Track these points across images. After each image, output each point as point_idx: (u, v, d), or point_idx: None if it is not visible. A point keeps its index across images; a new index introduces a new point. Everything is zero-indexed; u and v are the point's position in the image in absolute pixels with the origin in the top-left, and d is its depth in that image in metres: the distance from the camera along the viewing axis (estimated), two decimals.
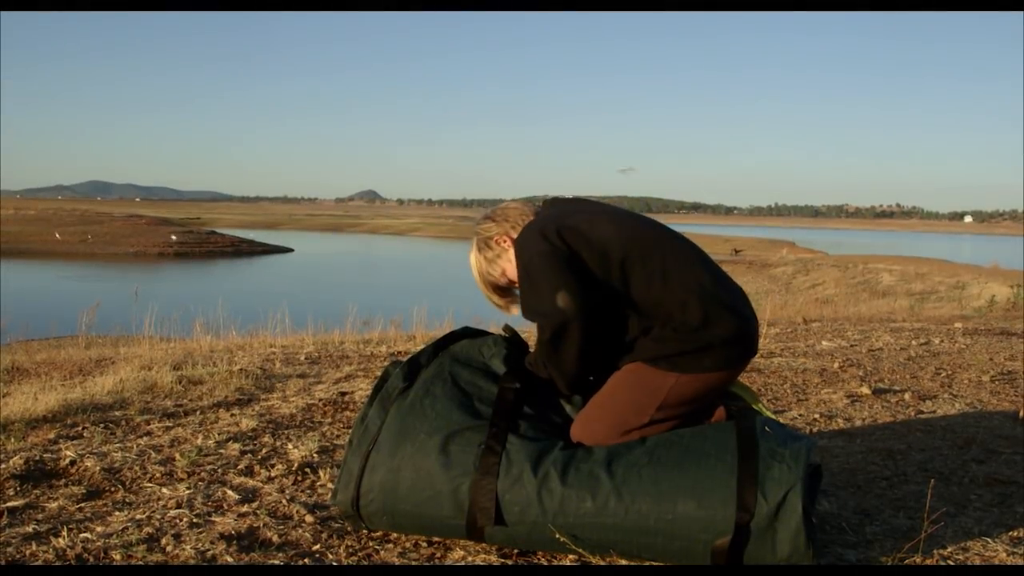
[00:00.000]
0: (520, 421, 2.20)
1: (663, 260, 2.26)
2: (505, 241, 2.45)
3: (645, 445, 2.12)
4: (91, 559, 2.11)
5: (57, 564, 2.08)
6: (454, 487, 2.11)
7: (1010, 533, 2.40)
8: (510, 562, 2.14)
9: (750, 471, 2.00)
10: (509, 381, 2.30)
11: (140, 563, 2.09)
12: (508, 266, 2.45)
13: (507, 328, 2.54)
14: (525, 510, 2.07)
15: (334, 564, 2.11)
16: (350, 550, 2.19)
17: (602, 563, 2.11)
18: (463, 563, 2.13)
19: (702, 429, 2.16)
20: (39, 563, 2.08)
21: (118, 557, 2.12)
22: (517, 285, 2.42)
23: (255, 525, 2.34)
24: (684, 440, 2.12)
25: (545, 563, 2.14)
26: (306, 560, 2.12)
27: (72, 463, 2.90)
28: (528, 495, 2.07)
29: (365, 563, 2.12)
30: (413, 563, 2.12)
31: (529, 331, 2.84)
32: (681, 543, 2.00)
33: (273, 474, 2.84)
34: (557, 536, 2.05)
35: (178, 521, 2.36)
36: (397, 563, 2.11)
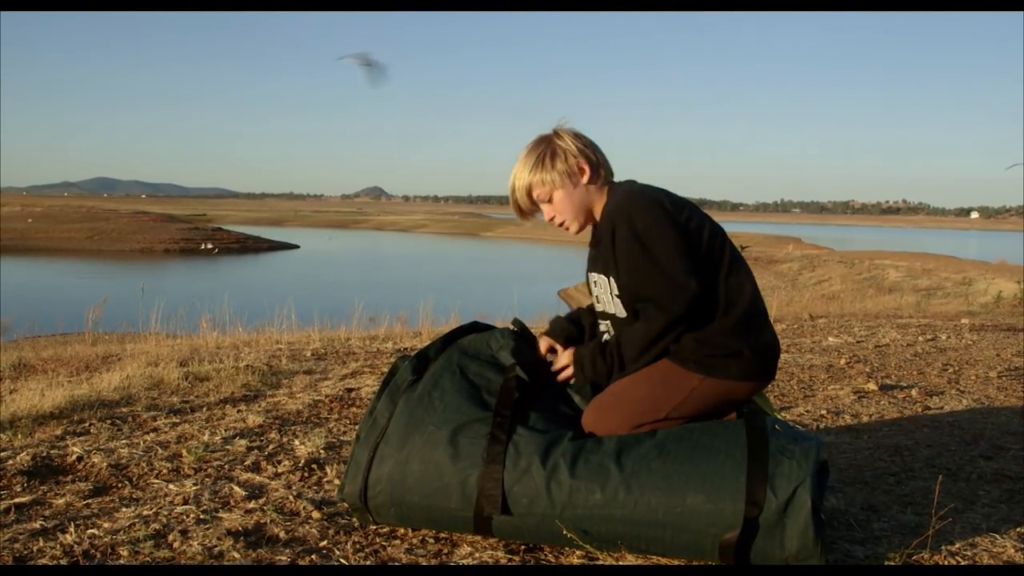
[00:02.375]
0: (529, 412, 2.20)
1: (732, 256, 2.26)
2: (583, 174, 2.34)
3: (655, 438, 2.12)
4: (98, 555, 2.11)
5: (64, 561, 2.08)
6: (462, 479, 2.12)
7: (1018, 529, 2.39)
8: (517, 559, 2.13)
9: (760, 466, 2.00)
10: (513, 372, 2.30)
11: (147, 560, 2.09)
12: (560, 193, 2.35)
13: (515, 322, 2.54)
14: (534, 501, 2.07)
15: (341, 560, 2.11)
16: (357, 546, 2.19)
17: (610, 560, 2.11)
18: (470, 559, 2.12)
19: (712, 425, 2.16)
20: (46, 559, 2.08)
21: (125, 553, 2.12)
22: (549, 211, 2.40)
23: (262, 521, 2.34)
24: (694, 435, 2.12)
25: (552, 559, 2.14)
26: (313, 556, 2.12)
27: (79, 459, 2.90)
28: (537, 487, 2.07)
29: (372, 559, 2.12)
30: (420, 559, 2.12)
31: (540, 325, 2.84)
32: (690, 536, 2.00)
33: (280, 470, 2.84)
34: (565, 532, 2.06)
35: (185, 517, 2.37)
36: (404, 559, 2.11)
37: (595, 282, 2.40)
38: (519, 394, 2.24)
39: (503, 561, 2.11)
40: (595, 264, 2.38)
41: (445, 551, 2.17)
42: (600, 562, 2.10)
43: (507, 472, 2.09)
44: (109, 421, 3.48)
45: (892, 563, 2.12)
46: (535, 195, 2.39)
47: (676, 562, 2.10)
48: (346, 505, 2.30)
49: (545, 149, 2.35)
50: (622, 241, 2.20)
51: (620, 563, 2.09)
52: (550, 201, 2.38)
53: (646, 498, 2.01)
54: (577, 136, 2.37)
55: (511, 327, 2.49)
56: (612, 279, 2.29)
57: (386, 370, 4.74)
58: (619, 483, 2.03)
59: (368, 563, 2.10)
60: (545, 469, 2.07)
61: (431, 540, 2.23)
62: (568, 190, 2.35)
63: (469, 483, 2.11)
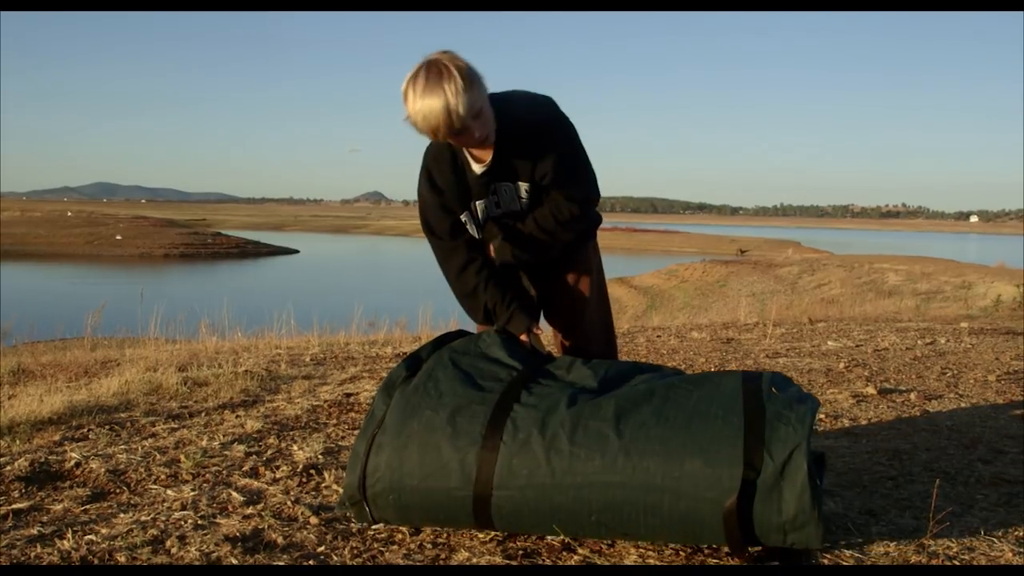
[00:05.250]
0: (522, 390, 2.25)
1: None
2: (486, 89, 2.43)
3: (652, 404, 2.13)
4: (96, 561, 2.11)
5: (62, 565, 2.08)
6: (461, 457, 2.13)
7: (1016, 533, 2.39)
8: (515, 563, 2.13)
9: (756, 431, 2.02)
10: (515, 364, 2.39)
11: (144, 564, 2.09)
12: (486, 109, 2.40)
13: (500, 329, 2.62)
14: (533, 472, 2.08)
15: (338, 565, 2.11)
16: (355, 551, 2.19)
17: (606, 562, 2.11)
18: (468, 564, 2.12)
19: (710, 392, 2.17)
20: (44, 565, 2.08)
21: (123, 559, 2.12)
22: (479, 127, 2.40)
23: (260, 527, 2.34)
24: (692, 401, 2.14)
25: (549, 562, 2.14)
26: (310, 562, 2.12)
27: (77, 465, 2.90)
28: (536, 457, 2.08)
29: (370, 564, 2.12)
30: (418, 564, 2.12)
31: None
32: (688, 502, 2.00)
33: (278, 476, 2.84)
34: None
35: (183, 523, 2.37)
36: (401, 563, 2.11)
37: (495, 190, 2.64)
38: (514, 376, 2.32)
39: (500, 565, 2.11)
40: (502, 174, 2.60)
41: (443, 556, 2.17)
42: (597, 562, 2.10)
43: (506, 446, 2.11)
44: (107, 427, 3.48)
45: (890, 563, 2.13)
46: (472, 113, 2.35)
47: (676, 562, 2.10)
48: (345, 510, 2.30)
49: (463, 69, 2.33)
50: (566, 145, 2.58)
51: (618, 564, 2.10)
52: (478, 117, 2.39)
53: (645, 463, 2.02)
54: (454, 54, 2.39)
55: (495, 332, 2.58)
56: (523, 182, 2.61)
57: (385, 375, 4.74)
58: (618, 449, 2.05)
59: (366, 566, 2.10)
60: (544, 439, 2.09)
61: (428, 545, 2.23)
62: (487, 104, 2.42)
63: (468, 461, 2.12)
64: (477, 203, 2.65)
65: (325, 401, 4.02)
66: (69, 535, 2.26)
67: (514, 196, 2.65)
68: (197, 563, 2.10)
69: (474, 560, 2.14)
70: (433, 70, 2.30)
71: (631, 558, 2.15)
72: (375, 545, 2.23)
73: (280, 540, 2.26)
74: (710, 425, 2.06)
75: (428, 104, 2.30)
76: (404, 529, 2.31)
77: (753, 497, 1.97)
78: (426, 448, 2.16)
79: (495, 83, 2.47)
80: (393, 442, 2.19)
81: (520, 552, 2.18)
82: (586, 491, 2.05)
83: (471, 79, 2.33)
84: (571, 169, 2.61)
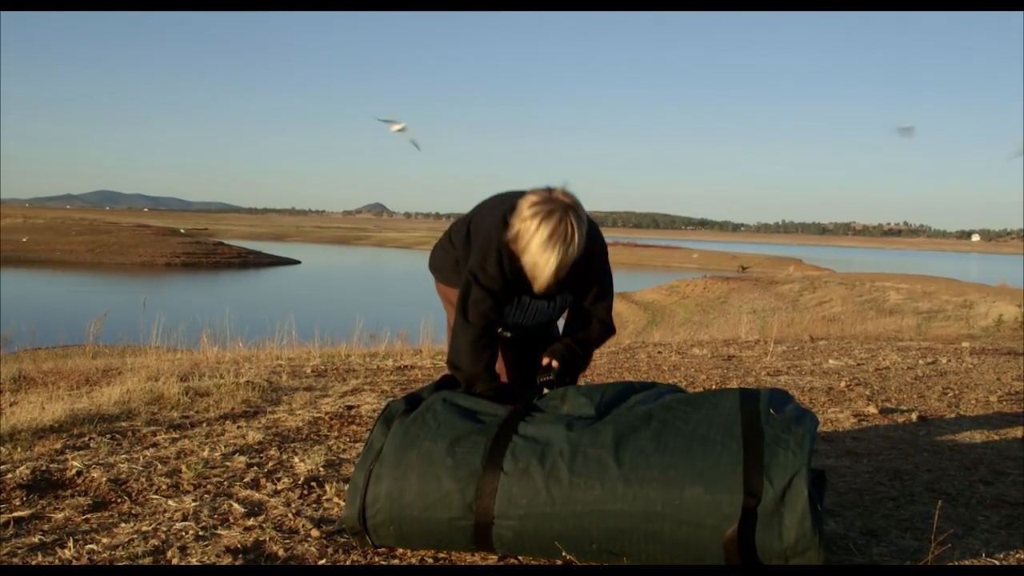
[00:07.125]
0: (520, 421, 2.26)
1: None
2: None
3: (651, 429, 2.14)
4: None
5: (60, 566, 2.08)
6: (462, 487, 2.13)
7: (1017, 555, 2.39)
8: (514, 563, 2.13)
9: (756, 457, 2.02)
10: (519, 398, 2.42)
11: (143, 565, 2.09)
12: None
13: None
14: (533, 501, 2.08)
15: (342, 566, 2.11)
16: (356, 564, 2.19)
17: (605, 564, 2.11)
18: (469, 565, 2.12)
19: (709, 415, 2.18)
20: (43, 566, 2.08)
21: None
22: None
23: (261, 539, 2.34)
24: (690, 425, 2.14)
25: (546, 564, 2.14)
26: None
27: (78, 474, 2.90)
28: (537, 486, 2.09)
29: (370, 566, 2.12)
30: (417, 565, 2.12)
31: None
32: (688, 529, 2.00)
33: (279, 487, 2.84)
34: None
35: (184, 534, 2.37)
36: (400, 564, 2.11)
37: (527, 305, 2.72)
38: (512, 407, 2.34)
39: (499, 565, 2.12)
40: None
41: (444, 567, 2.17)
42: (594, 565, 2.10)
43: (506, 476, 2.11)
44: (109, 436, 3.48)
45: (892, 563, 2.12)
46: None
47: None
48: (346, 526, 2.30)
49: (584, 229, 2.51)
50: (605, 266, 2.76)
51: (614, 565, 2.10)
52: None
53: (645, 491, 2.03)
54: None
55: None
56: (559, 297, 2.74)
57: (386, 388, 4.74)
58: (618, 477, 2.05)
59: (366, 566, 2.10)
60: (544, 468, 2.10)
61: (430, 559, 2.23)
62: None
63: (468, 491, 2.13)
64: (525, 297, 2.72)
65: (326, 413, 4.02)
66: (70, 544, 2.26)
67: (545, 312, 2.78)
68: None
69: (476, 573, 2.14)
70: (563, 228, 2.45)
71: (636, 552, 2.14)
72: (376, 559, 2.23)
73: (281, 552, 2.25)
74: (709, 451, 2.06)
75: (546, 258, 2.46)
76: None
77: (754, 524, 1.97)
78: (425, 478, 2.17)
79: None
80: (392, 472, 2.20)
81: (519, 559, 2.18)
82: (586, 519, 2.06)
83: (583, 237, 2.50)
84: (605, 289, 2.76)
